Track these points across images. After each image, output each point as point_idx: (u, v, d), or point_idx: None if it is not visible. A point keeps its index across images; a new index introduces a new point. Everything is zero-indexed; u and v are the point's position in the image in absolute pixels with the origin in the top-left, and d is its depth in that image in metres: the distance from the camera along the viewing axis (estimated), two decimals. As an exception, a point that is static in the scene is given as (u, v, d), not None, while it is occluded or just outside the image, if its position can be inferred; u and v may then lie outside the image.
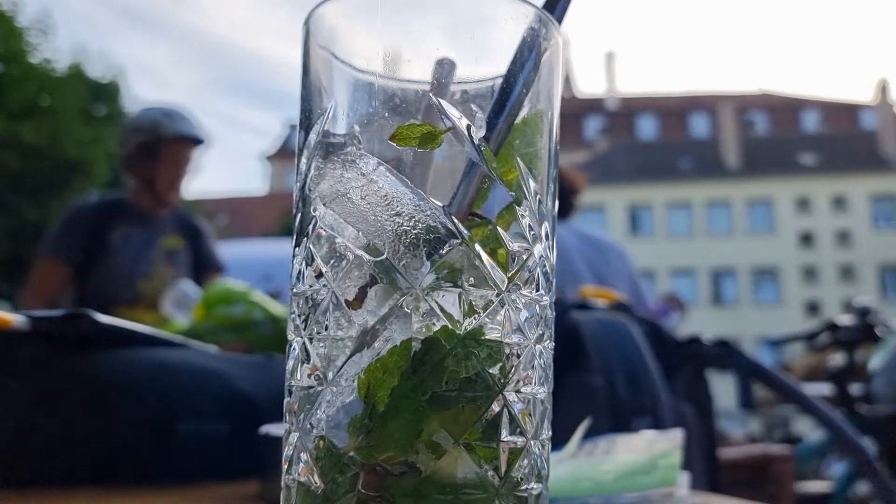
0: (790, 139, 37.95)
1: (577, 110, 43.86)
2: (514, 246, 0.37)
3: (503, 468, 0.35)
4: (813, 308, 31.41)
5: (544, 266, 0.39)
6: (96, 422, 0.72)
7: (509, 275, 0.37)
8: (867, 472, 1.12)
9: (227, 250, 2.87)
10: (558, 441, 0.57)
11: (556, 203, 0.41)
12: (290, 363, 0.39)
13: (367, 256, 0.36)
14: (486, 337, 0.35)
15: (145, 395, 0.75)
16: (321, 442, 0.35)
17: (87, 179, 16.23)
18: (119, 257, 2.35)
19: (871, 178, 33.30)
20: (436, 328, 0.35)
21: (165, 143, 2.41)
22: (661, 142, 39.80)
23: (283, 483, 0.38)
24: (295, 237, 0.40)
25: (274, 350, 1.11)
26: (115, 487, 0.70)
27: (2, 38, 14.58)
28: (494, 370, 0.35)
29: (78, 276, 2.35)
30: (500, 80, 0.38)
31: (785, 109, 42.85)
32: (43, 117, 15.22)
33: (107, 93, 18.26)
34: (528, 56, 0.38)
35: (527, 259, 0.38)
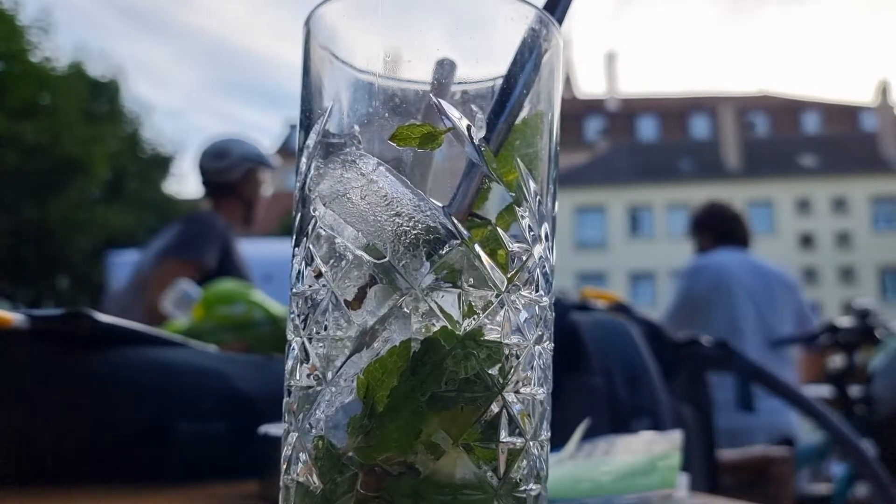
0: (790, 140, 37.97)
1: (577, 111, 43.89)
2: (514, 247, 0.37)
3: (502, 469, 0.35)
4: (813, 310, 31.36)
5: (544, 267, 0.39)
6: (96, 421, 0.72)
7: (509, 275, 0.37)
8: (867, 475, 1.12)
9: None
10: (557, 442, 0.57)
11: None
12: (290, 363, 0.39)
13: (366, 257, 0.36)
14: (486, 338, 0.35)
15: (145, 395, 0.75)
16: (320, 442, 0.35)
17: (87, 178, 16.25)
18: (243, 269, 2.55)
19: (871, 180, 33.30)
20: (435, 329, 0.35)
21: (264, 172, 2.75)
22: (662, 143, 39.82)
23: (281, 483, 0.38)
24: (295, 237, 0.40)
25: (274, 350, 1.11)
26: (116, 487, 0.70)
27: (2, 36, 14.59)
28: (494, 371, 0.35)
29: (201, 284, 2.40)
30: (500, 81, 0.38)
31: (785, 111, 42.88)
32: (43, 116, 15.24)
33: (107, 92, 18.29)
34: (529, 57, 0.38)
35: (526, 260, 0.38)
